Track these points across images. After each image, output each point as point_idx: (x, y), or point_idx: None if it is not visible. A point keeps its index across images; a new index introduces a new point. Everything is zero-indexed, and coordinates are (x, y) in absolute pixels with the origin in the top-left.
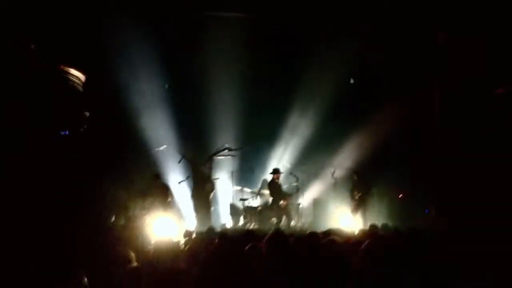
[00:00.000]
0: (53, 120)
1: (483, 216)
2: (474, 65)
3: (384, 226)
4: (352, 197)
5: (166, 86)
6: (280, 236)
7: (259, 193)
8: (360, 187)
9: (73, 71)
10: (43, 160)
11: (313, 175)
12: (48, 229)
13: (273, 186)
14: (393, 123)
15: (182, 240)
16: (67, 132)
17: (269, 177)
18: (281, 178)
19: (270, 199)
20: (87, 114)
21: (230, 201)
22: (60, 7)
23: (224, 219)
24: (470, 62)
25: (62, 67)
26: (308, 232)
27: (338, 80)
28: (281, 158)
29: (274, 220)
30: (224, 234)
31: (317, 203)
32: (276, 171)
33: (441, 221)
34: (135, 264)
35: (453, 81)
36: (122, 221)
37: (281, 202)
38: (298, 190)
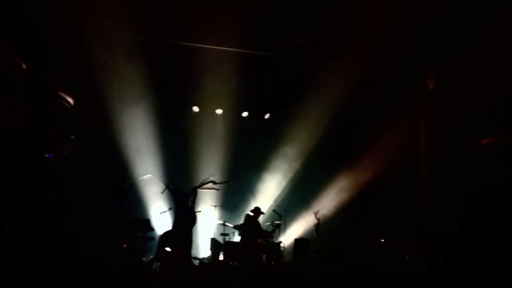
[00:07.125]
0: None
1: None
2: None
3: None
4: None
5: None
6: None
7: (241, 228)
8: None
9: (63, 95)
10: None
11: (296, 214)
12: None
13: (252, 224)
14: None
15: None
16: (51, 155)
17: (251, 213)
18: (262, 217)
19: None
20: (73, 137)
21: (211, 235)
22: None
23: (204, 253)
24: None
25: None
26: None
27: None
28: (266, 195)
29: (253, 257)
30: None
31: (298, 243)
32: (257, 210)
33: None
34: None
35: (438, 132)
36: None
37: (259, 240)
38: (280, 228)
